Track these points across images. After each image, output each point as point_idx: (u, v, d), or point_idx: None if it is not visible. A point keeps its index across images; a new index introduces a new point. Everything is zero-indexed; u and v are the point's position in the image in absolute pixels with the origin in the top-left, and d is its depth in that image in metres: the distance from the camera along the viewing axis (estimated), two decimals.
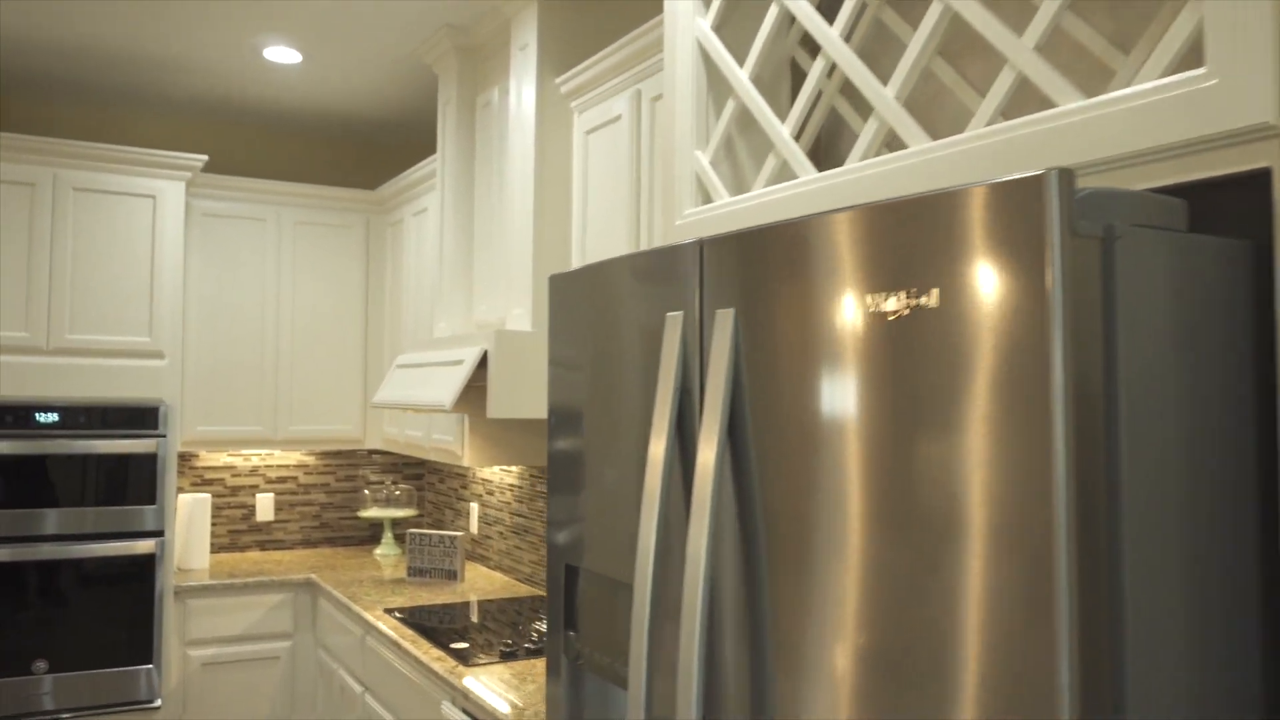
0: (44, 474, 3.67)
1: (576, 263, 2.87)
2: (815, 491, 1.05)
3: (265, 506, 4.66)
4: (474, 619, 3.30)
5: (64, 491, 3.70)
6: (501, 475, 4.16)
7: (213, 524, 4.57)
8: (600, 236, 2.77)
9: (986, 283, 0.89)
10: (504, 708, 2.39)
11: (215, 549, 4.58)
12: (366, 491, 4.65)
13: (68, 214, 3.77)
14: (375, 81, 4.05)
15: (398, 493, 4.65)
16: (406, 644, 2.98)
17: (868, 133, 1.38)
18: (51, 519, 3.69)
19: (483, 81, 3.51)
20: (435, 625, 3.21)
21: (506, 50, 3.34)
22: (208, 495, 4.27)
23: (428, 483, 5.00)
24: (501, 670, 2.70)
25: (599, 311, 1.48)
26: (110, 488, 3.78)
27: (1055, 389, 0.84)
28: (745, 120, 1.78)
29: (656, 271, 1.33)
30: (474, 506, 4.41)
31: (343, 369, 4.55)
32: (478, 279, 3.42)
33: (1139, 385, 0.90)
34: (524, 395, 2.84)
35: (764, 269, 1.13)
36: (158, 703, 3.82)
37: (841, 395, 1.02)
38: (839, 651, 1.02)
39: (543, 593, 3.76)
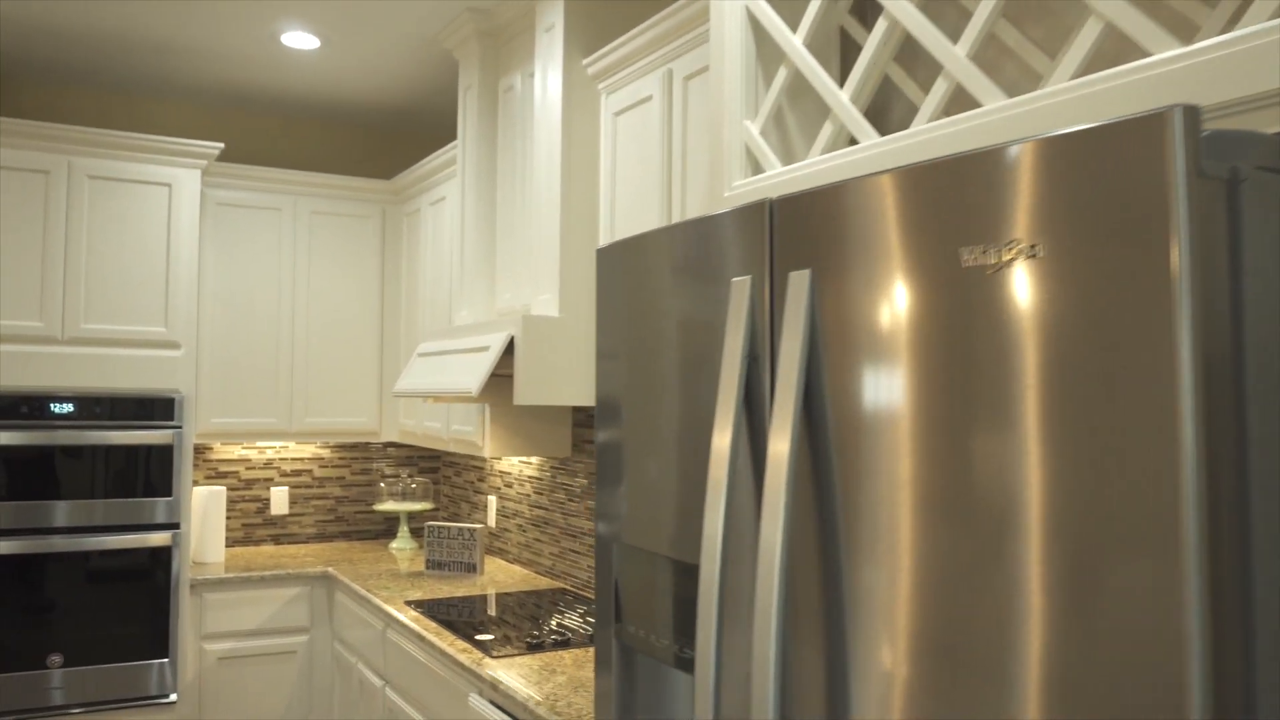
0: (58, 465, 3.63)
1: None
2: (900, 469, 1.00)
3: (280, 500, 4.61)
4: (495, 612, 3.25)
5: (78, 483, 3.65)
6: (520, 467, 4.11)
7: (227, 517, 4.52)
8: (629, 219, 2.71)
9: (1099, 231, 0.83)
10: (535, 698, 2.34)
11: (229, 543, 4.53)
12: (382, 485, 4.59)
13: (82, 202, 3.72)
14: (394, 68, 4.00)
15: (414, 486, 4.60)
16: (430, 636, 2.93)
17: (936, 93, 1.32)
18: (65, 511, 3.64)
19: (505, 66, 3.46)
20: (457, 618, 3.15)
21: (530, 34, 3.29)
22: (222, 488, 4.22)
23: (443, 476, 4.95)
24: (529, 662, 2.64)
25: (652, 281, 1.43)
26: (125, 479, 3.73)
27: (1181, 349, 0.78)
28: (795, 90, 1.72)
29: (718, 236, 1.28)
30: (492, 499, 4.36)
31: (358, 360, 4.50)
32: (500, 266, 3.37)
33: (1265, 347, 0.85)
34: (552, 382, 2.78)
35: (843, 226, 1.08)
36: (173, 697, 3.77)
37: (935, 359, 0.97)
38: (942, 657, 0.96)
39: (564, 585, 3.71)
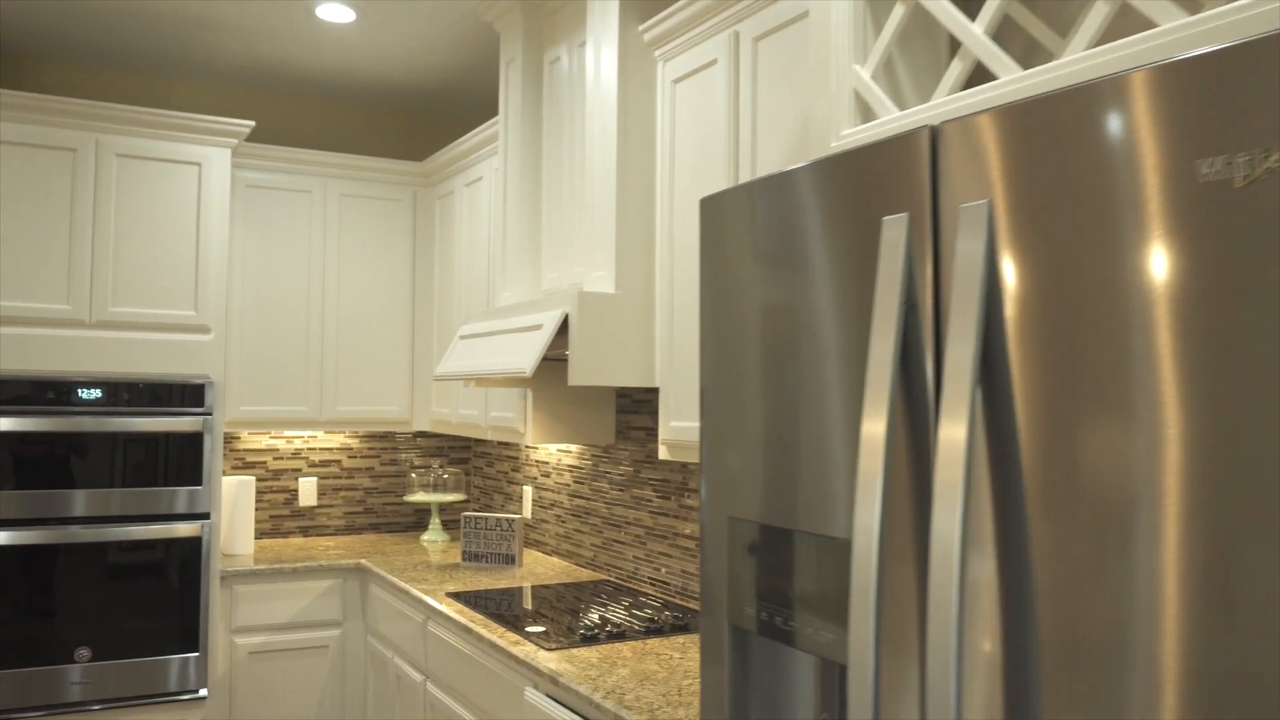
0: (85, 453, 3.51)
1: (662, 220, 2.69)
2: (1105, 435, 0.87)
3: (308, 491, 4.50)
4: (540, 604, 3.13)
5: (105, 471, 3.54)
6: (559, 456, 3.99)
7: (254, 508, 4.41)
8: (689, 191, 2.59)
9: None
10: (598, 692, 2.21)
11: (257, 534, 4.42)
12: (413, 475, 4.47)
13: (110, 181, 3.60)
14: (430, 41, 3.88)
15: (445, 476, 4.48)
16: (478, 628, 2.81)
17: (1097, 15, 1.20)
18: (92, 500, 3.52)
19: (550, 38, 3.33)
20: (502, 610, 3.03)
21: (576, 3, 3.17)
22: (251, 478, 4.11)
23: (474, 466, 4.83)
24: (586, 655, 2.52)
25: (771, 229, 1.30)
26: (154, 468, 3.61)
27: None
28: (907, 35, 1.60)
29: (859, 172, 1.15)
30: (528, 490, 4.24)
31: (389, 348, 4.38)
32: (546, 245, 3.24)
33: None
34: (608, 361, 2.66)
35: (1030, 150, 0.95)
36: (203, 692, 3.65)
37: (1172, 303, 0.84)
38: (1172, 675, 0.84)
39: (606, 576, 3.59)
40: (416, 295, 4.45)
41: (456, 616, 2.96)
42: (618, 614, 2.97)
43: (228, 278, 3.90)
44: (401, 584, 3.46)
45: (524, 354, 2.66)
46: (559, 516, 3.99)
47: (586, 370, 2.62)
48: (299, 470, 4.49)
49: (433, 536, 4.45)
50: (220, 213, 3.76)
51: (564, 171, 3.14)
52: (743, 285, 1.37)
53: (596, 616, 2.93)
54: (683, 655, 2.51)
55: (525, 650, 2.57)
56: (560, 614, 2.97)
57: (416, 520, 4.75)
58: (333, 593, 3.93)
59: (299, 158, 4.17)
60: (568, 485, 3.92)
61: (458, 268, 4.11)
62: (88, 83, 4.18)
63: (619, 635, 2.70)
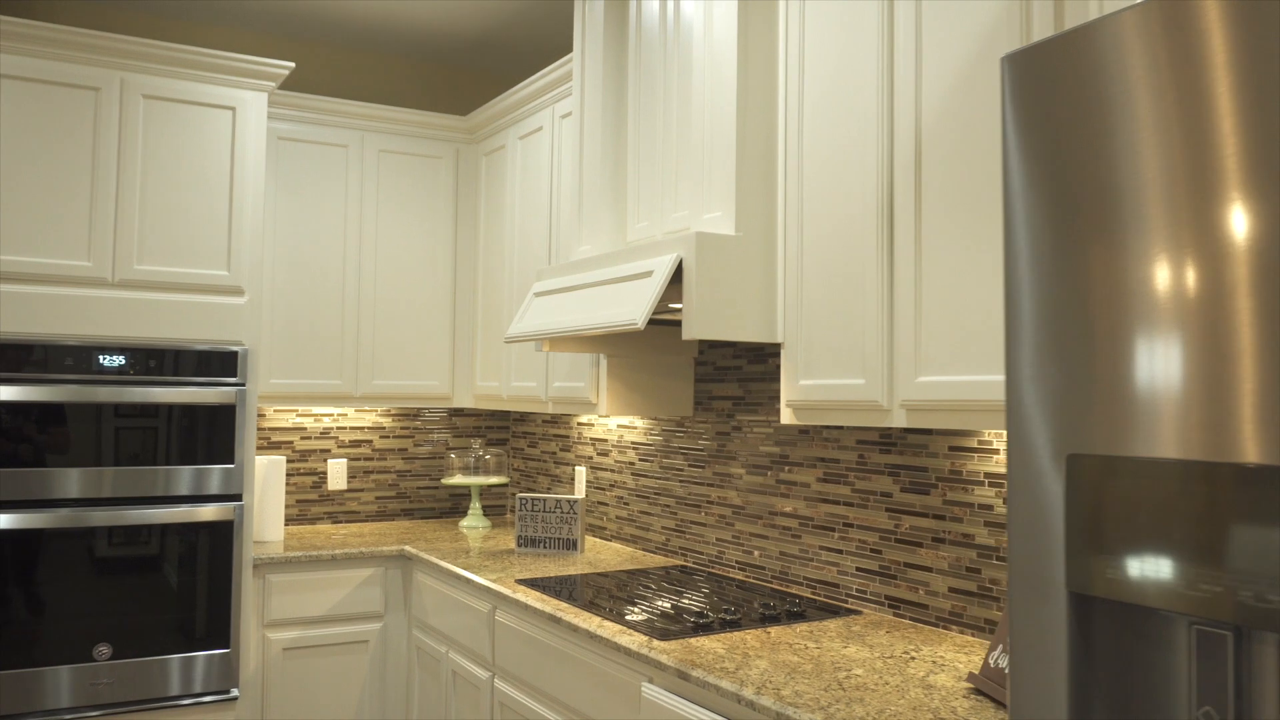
0: (105, 426, 3.16)
1: (788, 156, 2.38)
2: None
3: (338, 474, 4.15)
4: (627, 590, 2.81)
5: (128, 447, 3.19)
6: (621, 432, 3.67)
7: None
8: (822, 120, 2.28)
9: None
10: (747, 688, 1.90)
11: (285, 520, 4.07)
12: (452, 455, 4.14)
13: (136, 125, 3.25)
14: None
15: (487, 458, 4.15)
16: (569, 617, 2.49)
17: None
18: (113, 479, 3.17)
19: None
20: (588, 597, 2.71)
21: None
22: (282, 458, 3.76)
23: (514, 448, 4.50)
24: (707, 644, 2.21)
25: (1132, 80, 1.00)
26: (182, 444, 3.26)
27: None
28: None
29: None
30: (580, 470, 3.92)
31: (429, 317, 4.05)
32: (633, 193, 2.92)
33: None
34: (729, 311, 2.35)
35: None
36: (235, 692, 3.31)
37: None
38: None
39: (682, 561, 3.27)
40: (459, 260, 4.11)
41: (539, 605, 2.64)
42: (719, 602, 2.66)
43: (264, 234, 3.54)
44: (460, 570, 3.13)
45: (632, 304, 2.35)
46: (621, 498, 3.67)
47: (705, 322, 2.31)
48: (328, 451, 4.14)
49: (473, 523, 4.12)
50: (256, 163, 3.41)
51: (658, 112, 2.83)
52: (1059, 158, 1.07)
53: (697, 604, 2.62)
54: (818, 645, 2.21)
55: (635, 641, 2.25)
56: (652, 601, 2.65)
57: (453, 505, 4.42)
58: (373, 583, 3.60)
59: (335, 108, 3.83)
60: (631, 464, 3.60)
61: (509, 227, 3.78)
62: (112, 23, 3.81)
63: (733, 624, 2.39)
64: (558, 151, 3.47)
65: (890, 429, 2.53)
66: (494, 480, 4.10)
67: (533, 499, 3.53)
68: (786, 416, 2.38)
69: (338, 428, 4.16)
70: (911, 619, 2.45)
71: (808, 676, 1.97)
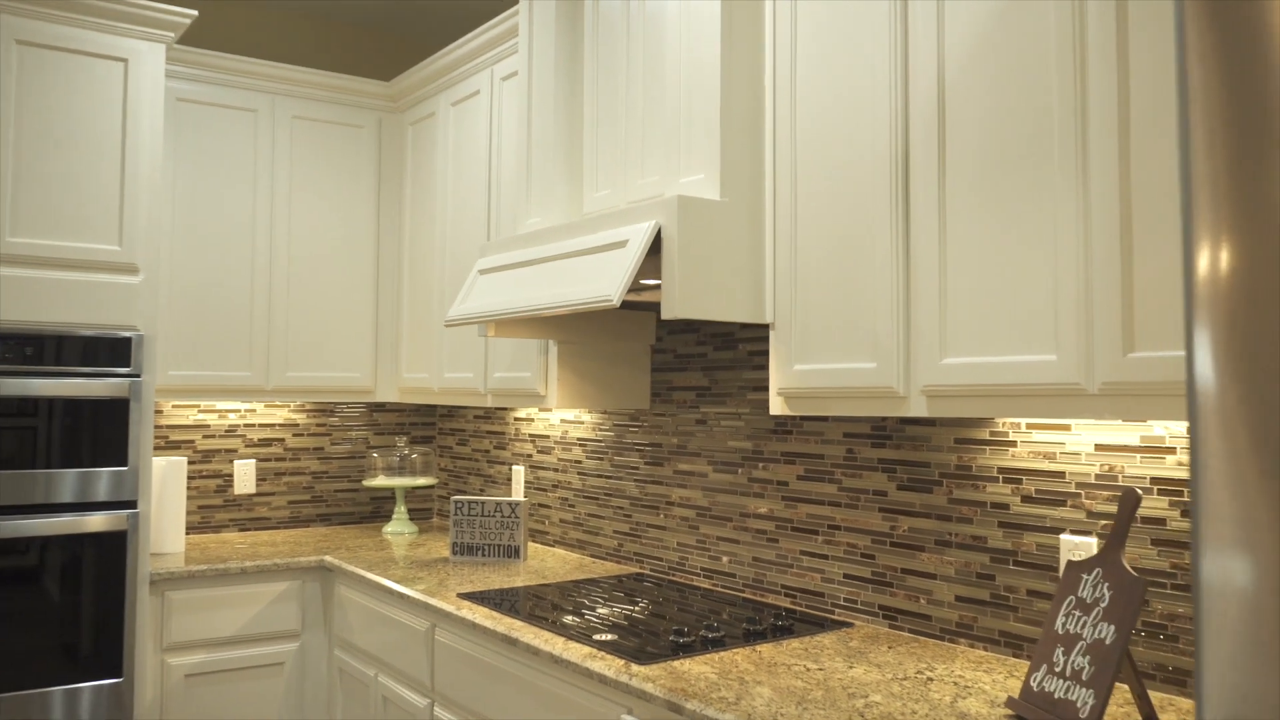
0: None
1: (777, 113, 2.11)
2: None
3: (245, 476, 3.74)
4: (587, 605, 2.51)
5: (2, 448, 2.75)
6: (565, 428, 3.36)
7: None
8: (824, 67, 2.02)
9: None
10: None
11: (186, 529, 3.65)
12: (375, 455, 3.77)
13: (10, 76, 2.81)
14: None
15: (414, 457, 3.80)
16: (527, 638, 2.18)
17: None
18: None
19: None
20: (543, 613, 2.40)
21: None
22: (183, 459, 3.35)
23: (442, 445, 4.14)
24: (693, 668, 1.92)
25: None
26: (66, 443, 2.84)
27: None
28: None
29: None
30: (518, 470, 3.59)
31: (349, 301, 3.67)
32: (592, 159, 2.61)
33: None
34: (714, 286, 2.07)
35: None
36: None
37: None
38: None
39: (639, 569, 2.98)
40: (382, 239, 3.74)
41: (489, 624, 2.31)
42: (691, 615, 2.38)
43: (161, 205, 3.12)
44: (391, 584, 2.78)
45: (604, 279, 2.04)
46: (565, 500, 3.36)
47: (688, 299, 2.02)
48: (234, 451, 3.73)
49: (398, 528, 3.76)
50: (152, 124, 3.00)
51: (620, 67, 2.52)
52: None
53: (671, 619, 2.33)
54: (819, 665, 1.94)
55: (610, 666, 1.95)
56: (617, 616, 2.36)
57: (375, 510, 4.04)
58: (288, 598, 3.22)
59: (243, 68, 3.42)
60: (578, 462, 3.30)
61: (440, 203, 3.44)
62: None
63: (716, 642, 2.11)
64: (498, 117, 3.14)
65: (885, 420, 2.28)
66: (421, 481, 3.75)
67: (469, 502, 3.19)
68: (776, 407, 2.11)
69: (245, 425, 3.75)
70: (911, 631, 2.20)
71: (821, 707, 1.70)
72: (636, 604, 2.49)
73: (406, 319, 3.66)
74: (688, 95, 2.22)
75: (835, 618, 2.37)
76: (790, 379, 2.06)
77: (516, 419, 3.64)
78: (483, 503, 3.18)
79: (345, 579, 3.12)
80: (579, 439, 3.30)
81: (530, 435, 3.56)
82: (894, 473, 2.26)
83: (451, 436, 4.06)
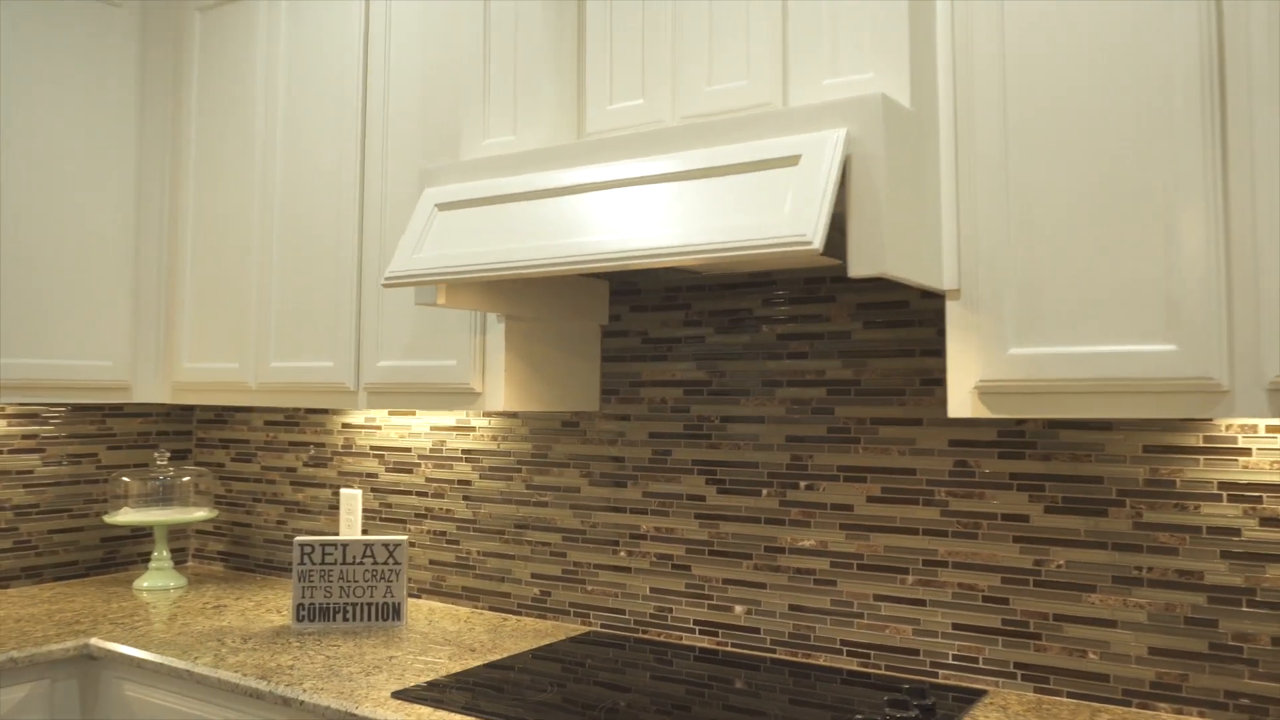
0: None
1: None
2: None
3: None
4: (588, 696, 1.74)
5: None
6: (442, 437, 2.50)
7: None
8: None
9: None
10: None
11: None
12: (125, 479, 2.64)
13: None
14: None
15: (184, 480, 2.71)
16: None
17: None
18: None
19: None
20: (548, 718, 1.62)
21: None
22: None
23: (205, 461, 3.03)
24: None
25: None
26: None
27: None
28: None
29: None
30: (352, 495, 2.66)
31: (94, 260, 2.53)
32: (603, 56, 1.83)
33: None
34: (911, 233, 1.43)
35: None
36: None
37: None
38: None
39: (583, 626, 2.23)
40: (145, 170, 2.62)
41: None
42: (805, 705, 1.71)
43: None
44: (241, 680, 1.80)
45: (766, 212, 1.33)
46: (440, 535, 2.50)
47: (895, 244, 1.36)
48: None
49: (159, 582, 2.65)
50: None
51: None
52: None
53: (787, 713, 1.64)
54: None
55: None
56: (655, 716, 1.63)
57: (105, 557, 2.86)
58: (29, 710, 2.07)
59: None
60: (464, 483, 2.45)
61: (262, 128, 2.43)
62: None
63: None
64: (385, 8, 2.22)
65: (1022, 424, 1.76)
66: (197, 515, 2.67)
67: (322, 544, 2.25)
68: (962, 407, 1.51)
69: None
70: (1077, 695, 1.70)
71: None
72: (667, 692, 1.76)
73: (190, 287, 2.57)
74: None
75: (942, 681, 1.81)
76: (997, 367, 1.47)
77: (347, 425, 2.69)
78: (344, 545, 2.25)
79: (136, 675, 2.05)
80: (465, 451, 2.46)
81: (373, 447, 2.63)
82: (1040, 491, 1.74)
83: (223, 450, 2.98)
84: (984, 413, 1.49)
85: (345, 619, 2.25)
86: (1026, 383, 1.45)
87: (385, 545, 2.27)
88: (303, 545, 2.25)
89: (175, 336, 2.59)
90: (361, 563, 2.26)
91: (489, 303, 1.86)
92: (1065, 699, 1.70)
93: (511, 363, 2.00)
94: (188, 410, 3.05)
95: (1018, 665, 1.75)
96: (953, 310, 1.52)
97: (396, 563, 2.27)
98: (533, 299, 1.95)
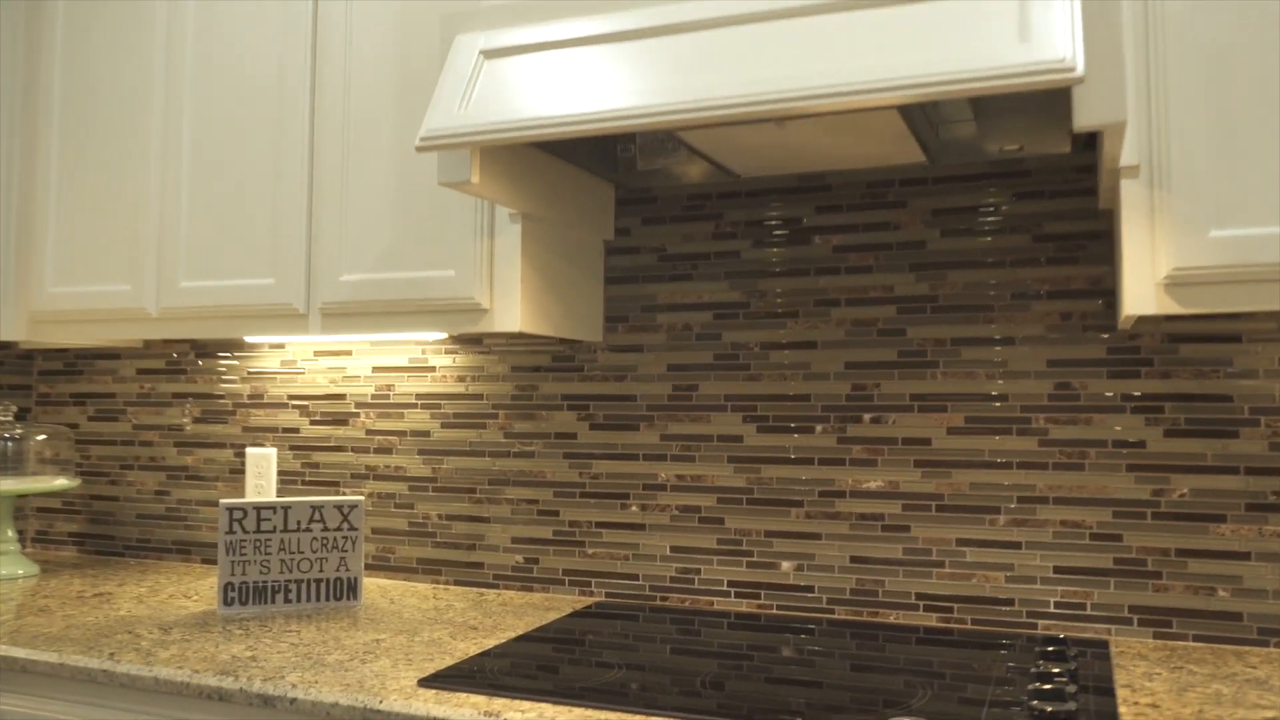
0: None
1: None
2: None
3: None
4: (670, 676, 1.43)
5: None
6: (388, 380, 2.08)
7: None
8: None
9: None
10: None
11: None
12: None
13: None
14: None
15: (37, 439, 2.15)
16: None
17: None
18: None
19: None
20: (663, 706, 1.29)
21: None
22: None
23: (54, 420, 2.44)
24: None
25: None
26: None
27: None
28: None
29: None
30: (262, 455, 2.18)
31: None
32: None
33: None
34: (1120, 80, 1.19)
35: None
36: None
37: None
38: None
39: (583, 597, 1.88)
40: None
41: None
42: (889, 675, 1.44)
43: None
44: (192, 679, 1.37)
45: (997, 40, 1.06)
46: (389, 498, 2.08)
47: (1118, 95, 1.12)
48: None
49: (6, 569, 2.09)
50: None
51: None
52: None
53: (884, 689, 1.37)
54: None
55: None
56: (758, 710, 1.33)
57: None
58: None
59: None
60: (421, 434, 2.05)
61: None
62: None
63: None
64: None
65: (1136, 338, 1.57)
66: (58, 484, 2.12)
67: (257, 508, 1.79)
68: (1142, 302, 1.29)
69: None
70: (1204, 638, 1.52)
71: None
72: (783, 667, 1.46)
73: (55, 185, 2.02)
74: None
75: (1049, 633, 1.60)
76: (1191, 253, 1.25)
77: (256, 373, 2.21)
78: (285, 509, 1.80)
79: (17, 684, 1.54)
80: (421, 396, 2.05)
81: (291, 396, 2.17)
82: (1158, 413, 1.56)
83: (76, 407, 2.41)
84: (1171, 308, 1.28)
85: (288, 599, 1.80)
86: (1231, 269, 1.24)
87: (338, 508, 1.84)
88: (231, 509, 1.78)
89: (32, 250, 2.03)
90: (309, 529, 1.82)
91: (518, 192, 1.49)
92: (1192, 643, 1.53)
93: (527, 273, 1.63)
94: (26, 359, 2.45)
95: (1133, 609, 1.56)
96: (1129, 190, 1.30)
97: (352, 528, 1.84)
98: (559, 193, 1.60)
